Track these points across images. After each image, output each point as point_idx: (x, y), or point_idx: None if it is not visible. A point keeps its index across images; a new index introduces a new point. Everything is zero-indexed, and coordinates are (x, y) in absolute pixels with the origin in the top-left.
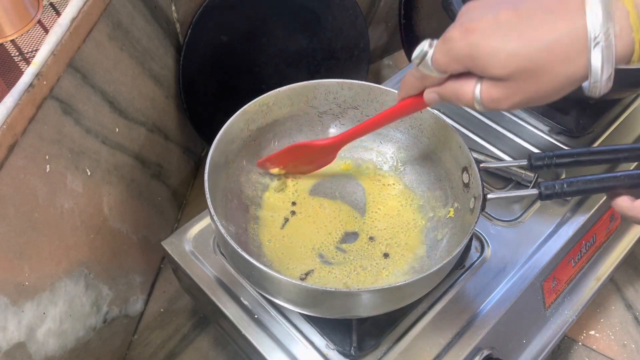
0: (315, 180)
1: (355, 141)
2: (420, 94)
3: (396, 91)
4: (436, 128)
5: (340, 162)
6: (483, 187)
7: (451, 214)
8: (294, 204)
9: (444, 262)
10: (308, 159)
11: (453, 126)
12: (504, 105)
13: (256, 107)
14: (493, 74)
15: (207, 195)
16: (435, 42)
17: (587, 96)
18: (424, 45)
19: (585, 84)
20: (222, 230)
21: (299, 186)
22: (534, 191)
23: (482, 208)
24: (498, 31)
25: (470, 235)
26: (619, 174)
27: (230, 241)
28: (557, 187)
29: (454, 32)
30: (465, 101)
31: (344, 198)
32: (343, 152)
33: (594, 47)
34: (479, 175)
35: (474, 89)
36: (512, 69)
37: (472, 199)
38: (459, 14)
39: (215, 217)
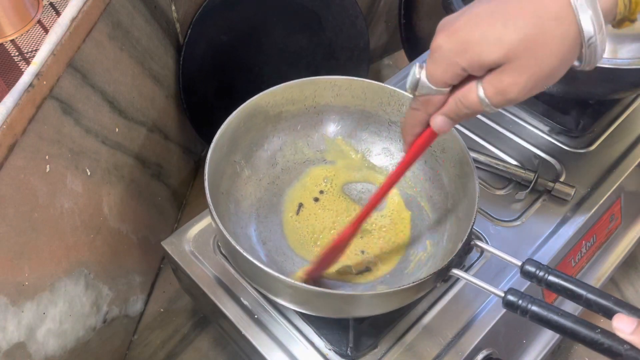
0: (353, 182)
1: (415, 173)
2: (427, 128)
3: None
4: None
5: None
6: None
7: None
8: (321, 192)
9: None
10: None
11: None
12: (512, 93)
13: (325, 83)
14: (489, 60)
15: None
16: (423, 64)
17: (580, 69)
18: (413, 71)
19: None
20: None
21: (335, 178)
22: (500, 293)
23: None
24: (481, 21)
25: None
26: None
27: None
28: (521, 302)
29: (438, 40)
30: (472, 106)
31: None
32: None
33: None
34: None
35: (477, 91)
36: (506, 47)
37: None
38: (437, 30)
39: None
